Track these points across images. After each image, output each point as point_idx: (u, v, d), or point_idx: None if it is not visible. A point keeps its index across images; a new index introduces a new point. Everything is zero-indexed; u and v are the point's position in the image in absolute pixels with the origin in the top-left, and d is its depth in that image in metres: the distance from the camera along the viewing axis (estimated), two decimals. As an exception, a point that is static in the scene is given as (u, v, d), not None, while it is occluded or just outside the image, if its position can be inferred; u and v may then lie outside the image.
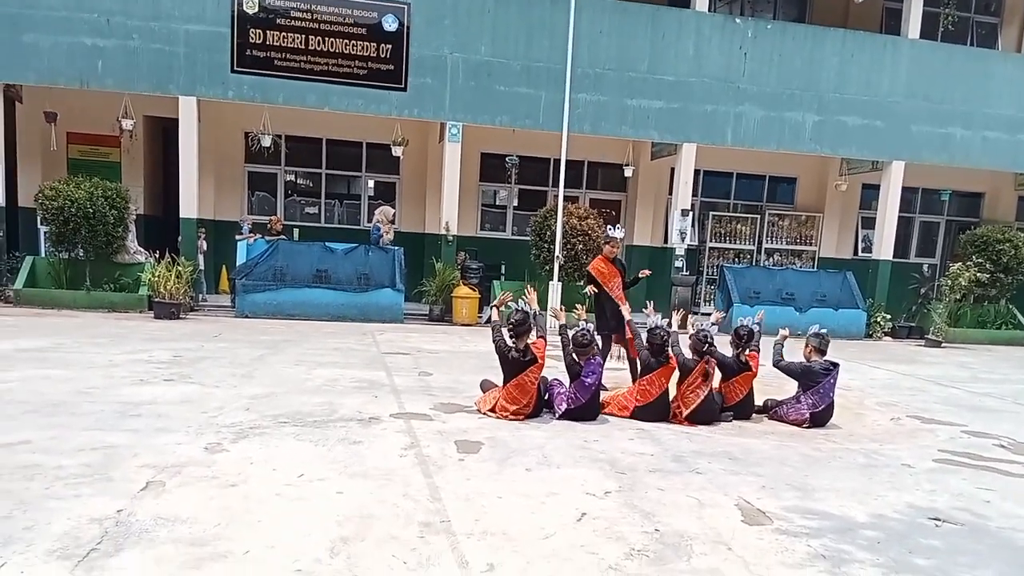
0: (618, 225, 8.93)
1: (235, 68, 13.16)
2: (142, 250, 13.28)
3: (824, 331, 7.33)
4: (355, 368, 8.60)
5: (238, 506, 4.14)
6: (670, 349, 6.66)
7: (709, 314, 15.62)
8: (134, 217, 13.27)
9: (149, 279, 12.33)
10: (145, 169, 15.61)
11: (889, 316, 15.52)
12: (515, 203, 17.30)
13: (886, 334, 15.37)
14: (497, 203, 17.45)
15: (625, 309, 7.71)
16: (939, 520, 4.62)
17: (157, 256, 12.67)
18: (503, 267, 15.98)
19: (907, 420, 7.55)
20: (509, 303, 6.97)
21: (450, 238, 14.32)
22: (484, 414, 6.62)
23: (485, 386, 7.12)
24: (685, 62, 15.00)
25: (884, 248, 16.30)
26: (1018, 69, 16.77)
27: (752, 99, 15.31)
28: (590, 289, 8.19)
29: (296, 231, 15.85)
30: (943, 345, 14.44)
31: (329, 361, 8.98)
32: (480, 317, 13.98)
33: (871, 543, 4.17)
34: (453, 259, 14.37)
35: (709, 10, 15.39)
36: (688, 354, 6.87)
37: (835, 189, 17.76)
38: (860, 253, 18.30)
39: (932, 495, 5.12)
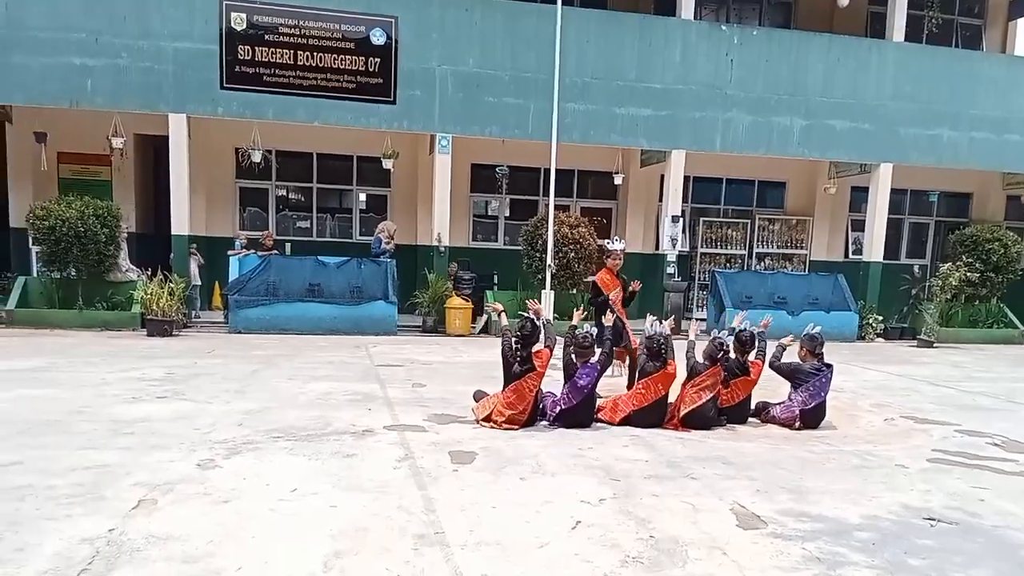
0: (617, 237, 8.96)
1: (224, 85, 13.18)
2: (134, 268, 13.25)
3: (817, 331, 7.36)
4: (348, 381, 8.59)
5: (231, 522, 4.13)
6: (685, 356, 6.70)
7: (703, 319, 15.86)
8: (125, 235, 13.23)
9: (141, 297, 12.30)
10: (136, 187, 15.59)
11: (881, 317, 15.57)
12: (506, 213, 17.33)
13: (878, 335, 15.41)
14: (488, 213, 17.47)
15: (609, 318, 7.70)
16: (933, 520, 4.63)
17: (149, 274, 12.64)
18: (495, 277, 15.99)
19: (901, 421, 7.58)
20: (495, 312, 7.02)
21: (442, 249, 14.33)
22: (479, 423, 6.62)
23: (478, 396, 7.12)
24: (672, 70, 15.08)
25: (874, 250, 16.36)
26: (1002, 70, 16.90)
27: (740, 105, 15.38)
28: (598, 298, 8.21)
29: (288, 245, 15.84)
30: (935, 345, 14.49)
31: (322, 375, 8.97)
32: (473, 328, 13.97)
33: (865, 545, 4.18)
34: (445, 270, 14.38)
35: (695, 18, 15.47)
36: (699, 359, 6.91)
37: (824, 192, 17.83)
38: (851, 255, 18.36)
39: (926, 495, 5.13)
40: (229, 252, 13.63)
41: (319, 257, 13.67)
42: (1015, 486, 5.45)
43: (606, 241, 8.57)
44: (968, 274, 15.14)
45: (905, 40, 16.21)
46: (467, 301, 13.89)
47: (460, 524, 4.24)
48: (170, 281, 12.35)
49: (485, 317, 14.14)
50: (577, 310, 7.42)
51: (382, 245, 14.25)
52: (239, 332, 12.65)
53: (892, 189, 16.41)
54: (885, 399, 8.72)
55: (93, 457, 5.23)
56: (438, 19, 14.02)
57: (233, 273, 13.09)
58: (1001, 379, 10.79)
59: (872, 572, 3.83)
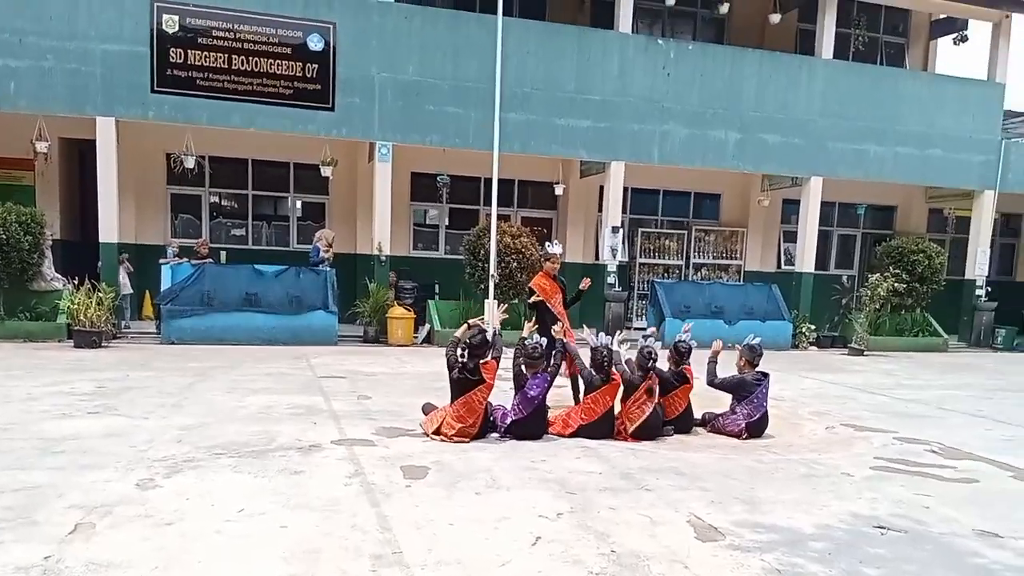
0: (556, 241, 8.95)
1: (155, 88, 12.74)
2: (60, 277, 12.67)
3: (757, 342, 7.49)
4: (291, 394, 8.36)
5: (176, 546, 3.94)
6: (615, 367, 6.69)
7: (643, 328, 16.00)
8: (50, 243, 12.66)
9: (68, 307, 11.77)
10: (61, 193, 14.93)
11: (813, 326, 16.01)
12: (447, 222, 17.22)
13: (811, 344, 15.84)
14: (429, 222, 17.33)
15: (563, 326, 7.68)
16: (883, 528, 4.73)
17: (76, 283, 12.10)
18: (437, 286, 15.86)
19: (841, 428, 7.76)
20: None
21: (383, 258, 14.14)
22: (429, 436, 6.51)
23: (427, 409, 7.01)
24: (611, 82, 15.24)
25: (806, 261, 16.82)
26: (925, 87, 17.62)
27: (677, 118, 15.64)
28: (533, 298, 8.17)
29: (223, 254, 15.40)
30: (865, 353, 14.96)
31: (263, 387, 8.71)
32: (416, 337, 13.82)
33: (821, 555, 4.23)
34: (387, 279, 14.18)
35: (632, 31, 15.67)
36: (632, 370, 6.92)
37: (758, 205, 18.27)
38: (783, 266, 18.85)
39: (873, 503, 5.24)
40: (161, 260, 13.16)
41: (256, 266, 13.32)
42: (955, 493, 5.62)
43: (547, 243, 8.57)
44: (895, 284, 15.68)
45: (833, 57, 16.75)
46: (409, 311, 13.73)
47: (417, 543, 4.14)
48: (98, 290, 11.85)
49: (428, 327, 14.00)
50: (528, 322, 7.36)
51: (320, 254, 13.98)
52: (172, 343, 12.22)
53: (822, 202, 16.91)
54: (824, 407, 8.93)
55: (22, 478, 4.94)
56: (377, 26, 13.87)
57: (165, 282, 12.64)
58: (930, 386, 11.18)
59: (830, 582, 3.88)
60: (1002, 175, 17.79)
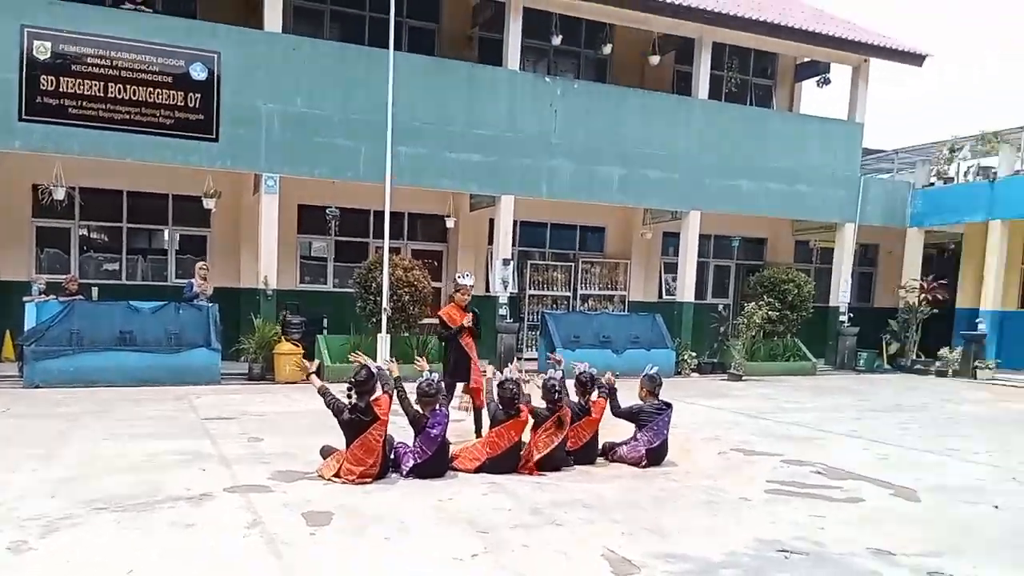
0: (468, 272, 8.91)
1: (23, 116, 11.93)
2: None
3: (655, 371, 7.70)
4: (174, 438, 7.90)
5: (64, 615, 3.62)
6: (521, 402, 6.69)
7: (534, 359, 16.20)
8: None
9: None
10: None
11: (695, 353, 16.61)
12: (335, 255, 16.87)
13: (693, 370, 16.41)
14: (313, 255, 16.89)
15: (473, 358, 7.66)
16: (786, 552, 4.91)
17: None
18: (325, 321, 15.47)
19: (732, 453, 8.05)
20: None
21: (269, 292, 13.68)
22: (329, 480, 6.29)
23: (326, 452, 6.77)
24: (501, 118, 15.45)
25: (686, 291, 17.48)
26: (791, 126, 18.78)
27: (564, 154, 15.99)
28: (446, 331, 8.13)
29: (95, 290, 14.46)
30: (743, 378, 15.63)
31: (144, 432, 8.20)
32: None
33: (732, 581, 4.36)
34: (273, 314, 13.72)
35: (520, 69, 15.97)
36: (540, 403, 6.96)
37: (640, 237, 18.89)
38: (664, 296, 19.49)
39: (773, 526, 5.44)
40: (26, 298, 12.22)
41: (131, 302, 12.57)
42: (846, 513, 5.92)
43: (458, 274, 8.53)
44: (769, 312, 16.51)
45: (708, 98, 17.62)
46: (297, 346, 13.30)
47: (330, 595, 3.98)
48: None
49: (318, 362, 13.56)
50: (420, 359, 7.19)
51: (194, 288, 13.33)
52: (37, 387, 11.33)
53: (700, 234, 17.64)
54: (714, 433, 9.24)
55: None
56: (264, 56, 13.54)
57: (30, 321, 11.72)
58: (806, 409, 11.78)
59: (744, 608, 3.98)
60: (861, 208, 19.12)
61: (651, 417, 7.29)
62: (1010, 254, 18.57)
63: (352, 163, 14.17)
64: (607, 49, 17.77)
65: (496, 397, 6.79)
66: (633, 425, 7.46)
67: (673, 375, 15.93)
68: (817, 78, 20.21)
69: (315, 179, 14.34)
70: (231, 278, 15.29)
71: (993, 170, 18.64)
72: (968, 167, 20.08)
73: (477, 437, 7.63)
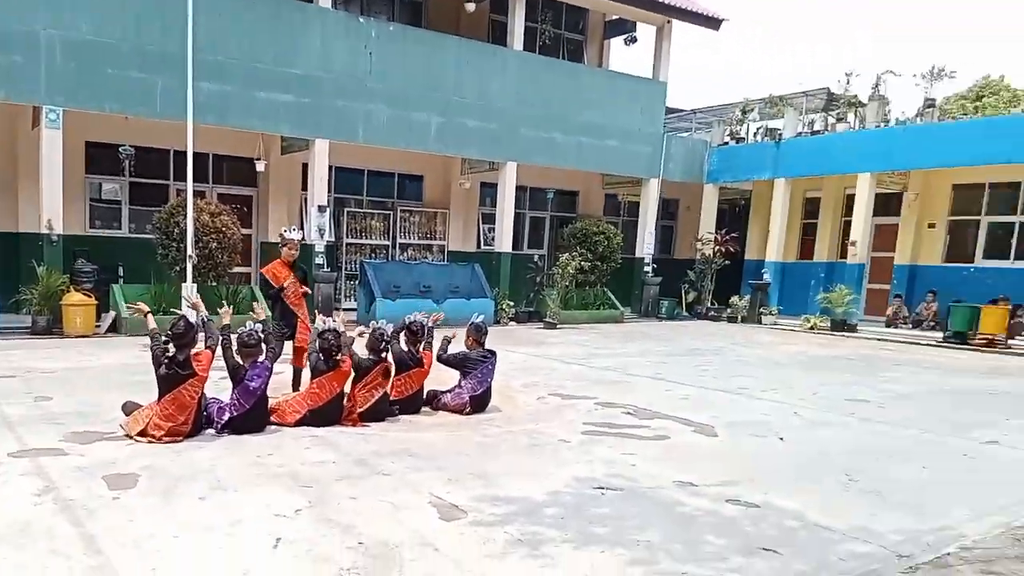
0: (294, 226, 8.46)
1: None
2: None
3: (481, 320, 7.77)
4: (-59, 402, 7.00)
5: None
6: (342, 351, 6.49)
7: (354, 309, 15.87)
8: None
9: None
10: None
11: (512, 303, 17.01)
12: (130, 198, 15.50)
13: (511, 319, 16.81)
14: (103, 197, 15.42)
15: (301, 314, 7.34)
16: (602, 489, 5.15)
17: None
18: (121, 269, 14.25)
19: (550, 398, 8.33)
20: (140, 313, 6.30)
21: (54, 238, 12.37)
22: (133, 439, 5.83)
23: (129, 408, 6.26)
24: (313, 57, 14.75)
25: (504, 241, 17.78)
26: (601, 82, 19.39)
27: (381, 98, 15.57)
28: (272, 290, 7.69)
29: None
30: (558, 326, 16.23)
31: (-98, 397, 7.19)
32: (98, 327, 12.32)
33: (556, 520, 4.50)
34: (60, 262, 12.43)
35: (332, 7, 15.26)
36: (364, 353, 6.80)
37: (459, 187, 18.90)
38: (483, 246, 19.72)
39: (590, 466, 5.68)
40: None
41: None
42: (654, 450, 6.29)
43: (284, 228, 8.05)
44: (582, 263, 17.17)
45: (524, 50, 17.75)
46: (89, 297, 12.17)
47: (138, 564, 3.68)
48: None
49: (113, 314, 12.53)
50: (226, 308, 6.75)
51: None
52: None
53: (516, 186, 17.92)
54: (532, 379, 9.51)
55: None
56: (43, -26, 12.02)
57: None
58: (616, 355, 12.41)
59: (568, 545, 4.13)
60: (664, 165, 20.22)
61: (476, 365, 7.36)
62: (791, 210, 20.41)
63: (147, 98, 13.02)
64: (422, -8, 17.38)
65: (317, 347, 6.56)
66: (458, 373, 7.49)
67: (493, 324, 16.20)
68: (625, 36, 20.98)
69: (105, 114, 13.04)
70: (8, 222, 13.70)
71: (779, 132, 20.29)
72: (758, 128, 21.76)
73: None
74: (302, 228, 14.57)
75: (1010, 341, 14.97)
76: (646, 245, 20.28)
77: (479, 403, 7.32)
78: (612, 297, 18.81)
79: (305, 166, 15.68)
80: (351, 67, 15.20)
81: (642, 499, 5.00)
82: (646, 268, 20.18)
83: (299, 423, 6.40)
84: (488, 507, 4.66)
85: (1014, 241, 17.68)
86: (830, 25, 56.43)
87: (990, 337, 14.80)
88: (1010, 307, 15.59)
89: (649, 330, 16.96)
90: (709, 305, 20.22)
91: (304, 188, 16.03)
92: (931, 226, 19.09)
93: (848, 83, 20.73)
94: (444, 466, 5.50)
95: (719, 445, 6.65)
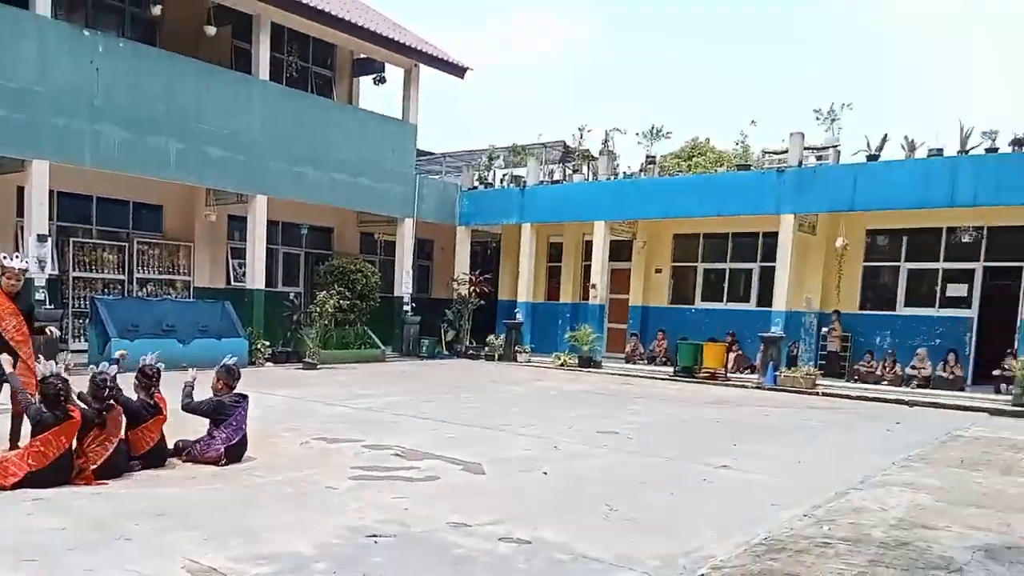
0: (17, 254, 7.24)
1: None
2: None
3: (233, 362, 7.20)
4: None
5: None
6: (71, 401, 5.67)
7: (84, 351, 14.07)
8: None
9: None
10: None
11: (268, 343, 16.12)
12: None
13: (267, 360, 15.92)
14: None
15: (24, 354, 6.29)
16: (375, 536, 4.90)
17: None
18: None
19: (315, 443, 7.90)
20: None
21: None
22: None
23: None
24: (29, 68, 13.10)
25: (256, 278, 16.84)
26: (351, 118, 19.17)
27: (111, 119, 14.14)
28: None
29: None
30: (319, 367, 15.62)
31: None
32: None
33: (327, 575, 4.20)
34: None
35: (52, 16, 13.72)
36: (88, 402, 5.98)
37: (204, 219, 17.69)
38: (233, 283, 18.52)
39: (360, 513, 5.40)
40: None
41: None
42: (425, 491, 6.15)
43: (3, 256, 6.79)
44: (340, 301, 16.75)
45: (270, 80, 17.09)
46: None
47: None
48: None
49: None
50: None
51: None
52: None
53: (268, 220, 17.11)
54: (294, 423, 8.99)
55: None
56: None
57: None
58: (380, 395, 12.10)
59: (345, 601, 3.86)
60: (418, 206, 20.42)
61: (229, 411, 6.77)
62: (537, 253, 21.45)
63: None
64: (156, 10, 16.08)
65: (38, 396, 5.67)
66: (208, 421, 6.85)
67: (247, 365, 15.22)
68: (374, 76, 21.05)
69: None
70: None
71: (523, 179, 21.34)
72: (503, 175, 22.76)
73: (12, 448, 6.27)
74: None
75: (729, 374, 16.77)
76: (404, 284, 20.27)
77: (236, 452, 6.74)
78: (373, 336, 18.50)
79: (21, 189, 13.82)
80: (75, 83, 13.67)
81: (417, 544, 4.84)
82: (405, 307, 20.14)
83: (17, 485, 5.46)
84: (251, 567, 4.24)
85: (726, 285, 19.92)
86: (560, 82, 60.81)
87: (712, 371, 16.50)
88: (728, 342, 17.53)
89: (412, 369, 16.88)
90: (468, 344, 20.56)
91: (20, 214, 14.11)
92: (658, 271, 20.98)
93: (581, 137, 22.24)
94: (199, 524, 4.95)
95: (487, 483, 6.67)
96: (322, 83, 20.64)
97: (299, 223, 19.34)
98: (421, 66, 19.93)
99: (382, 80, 20.90)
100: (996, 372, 14.74)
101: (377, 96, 21.83)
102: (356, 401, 11.20)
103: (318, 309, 16.42)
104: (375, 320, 18.76)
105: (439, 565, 4.46)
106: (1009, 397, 13.48)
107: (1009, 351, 14.47)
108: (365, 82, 21.77)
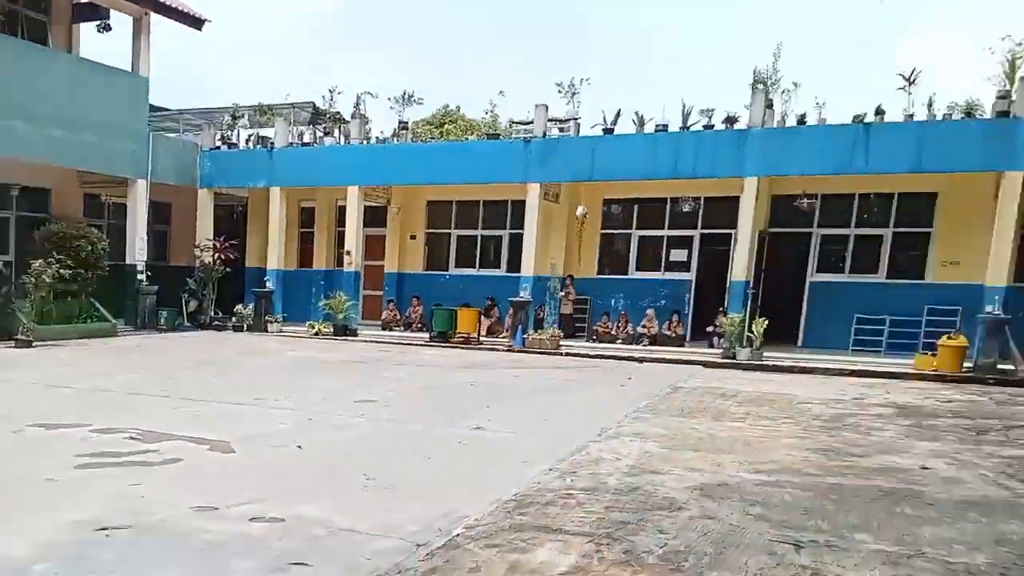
0: None
1: None
2: None
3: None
4: None
5: None
6: None
7: None
8: None
9: None
10: None
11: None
12: None
13: (-30, 340, 13.94)
14: None
15: None
16: (107, 529, 4.49)
17: None
18: None
19: (30, 430, 7.05)
20: None
21: None
22: None
23: None
24: None
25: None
26: (72, 70, 17.19)
27: None
28: None
29: None
30: (35, 344, 13.94)
31: None
32: None
33: (49, 576, 3.80)
34: None
35: None
36: None
37: None
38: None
39: (88, 505, 4.92)
40: None
41: None
42: (166, 475, 5.74)
43: None
44: (61, 271, 15.03)
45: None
46: None
47: None
48: None
49: None
50: None
51: None
52: None
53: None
54: (1, 409, 7.95)
55: None
56: None
57: None
58: (112, 373, 11.06)
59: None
60: (152, 166, 18.78)
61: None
62: (288, 219, 20.66)
63: None
64: None
65: None
66: None
67: (-64, 346, 13.24)
68: (97, 23, 18.96)
69: None
70: None
71: (271, 140, 20.39)
72: (249, 135, 21.61)
73: None
74: None
75: (482, 338, 17.36)
76: (138, 251, 18.58)
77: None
78: (102, 309, 16.80)
79: None
80: None
81: (157, 532, 4.51)
82: (140, 276, 18.50)
83: None
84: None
85: (478, 252, 20.54)
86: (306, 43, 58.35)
87: (466, 335, 17.00)
88: (487, 307, 18.16)
89: (149, 343, 15.60)
90: (213, 315, 19.38)
91: None
92: (412, 237, 21.14)
93: (332, 100, 21.58)
94: None
95: (238, 461, 6.36)
96: (35, 28, 18.14)
97: (9, 183, 17.03)
98: (152, 15, 18.17)
99: (107, 28, 18.77)
100: (710, 328, 16.69)
101: (113, 53, 19.53)
102: (81, 381, 10.13)
103: (33, 280, 14.61)
104: (106, 292, 17.07)
105: (182, 554, 4.20)
106: (720, 351, 15.30)
107: (721, 309, 16.35)
108: (89, 29, 19.41)
